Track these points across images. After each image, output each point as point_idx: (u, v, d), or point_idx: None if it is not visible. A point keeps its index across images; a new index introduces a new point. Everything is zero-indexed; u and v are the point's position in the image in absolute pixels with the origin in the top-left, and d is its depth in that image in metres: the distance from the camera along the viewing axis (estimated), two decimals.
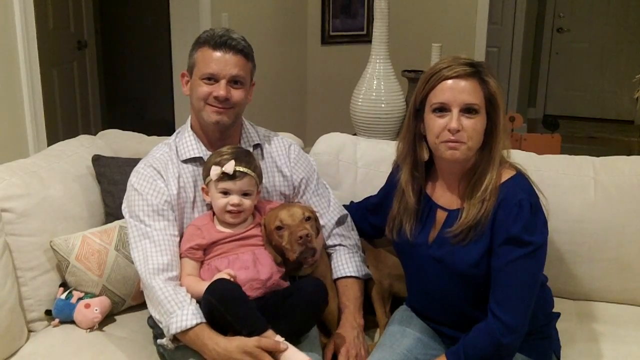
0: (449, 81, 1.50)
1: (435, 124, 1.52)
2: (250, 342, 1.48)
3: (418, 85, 1.58)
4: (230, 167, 1.65)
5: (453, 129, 1.48)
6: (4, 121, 2.63)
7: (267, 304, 1.60)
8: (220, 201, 1.68)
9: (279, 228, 1.68)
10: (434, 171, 1.65)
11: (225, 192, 1.68)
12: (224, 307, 1.51)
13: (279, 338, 1.50)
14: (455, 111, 1.49)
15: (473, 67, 1.51)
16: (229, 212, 1.68)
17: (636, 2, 6.51)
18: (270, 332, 1.51)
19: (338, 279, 1.86)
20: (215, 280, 1.56)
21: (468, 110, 1.50)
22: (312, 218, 1.73)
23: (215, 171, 1.66)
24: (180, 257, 1.69)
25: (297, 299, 1.59)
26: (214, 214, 1.74)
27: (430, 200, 1.65)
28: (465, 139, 1.50)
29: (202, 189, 1.74)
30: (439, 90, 1.51)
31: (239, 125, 1.85)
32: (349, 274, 1.85)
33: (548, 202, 1.65)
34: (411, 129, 1.61)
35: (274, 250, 1.70)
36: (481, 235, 1.52)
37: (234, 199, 1.67)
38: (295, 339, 1.57)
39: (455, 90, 1.49)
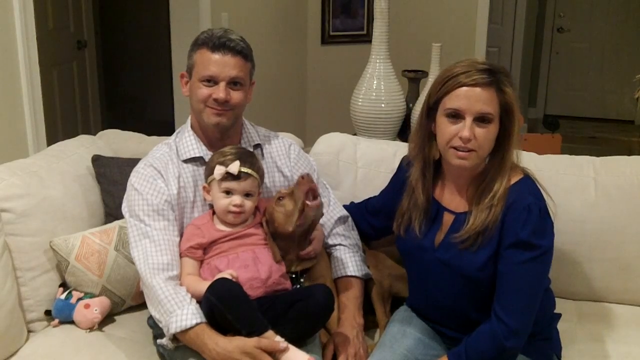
0: (465, 88, 1.48)
1: (447, 129, 1.51)
2: (250, 342, 1.48)
3: (433, 84, 1.56)
4: (234, 167, 1.65)
5: (465, 138, 1.47)
6: (3, 121, 2.63)
7: (271, 306, 1.60)
8: (222, 201, 1.68)
9: (280, 199, 1.68)
10: (442, 172, 1.65)
11: (228, 192, 1.67)
12: (225, 307, 1.51)
13: (278, 338, 1.50)
14: (468, 120, 1.48)
15: (491, 76, 1.49)
16: (231, 212, 1.67)
17: (636, 2, 6.50)
18: (270, 333, 1.51)
19: (338, 278, 1.86)
20: (216, 280, 1.56)
21: (482, 119, 1.48)
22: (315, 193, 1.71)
23: (219, 171, 1.65)
24: (180, 257, 1.68)
25: (307, 306, 1.58)
26: (213, 213, 1.73)
27: (438, 203, 1.64)
28: (476, 147, 1.49)
29: (204, 187, 1.73)
30: (454, 96, 1.49)
31: (240, 125, 1.85)
32: (349, 274, 1.85)
33: (555, 205, 1.64)
34: (423, 128, 1.60)
35: (275, 239, 1.70)
36: (489, 239, 1.52)
37: (237, 199, 1.67)
38: (298, 343, 1.57)
39: (471, 98, 1.48)
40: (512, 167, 1.55)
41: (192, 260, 1.68)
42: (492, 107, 1.48)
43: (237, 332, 1.51)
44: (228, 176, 1.66)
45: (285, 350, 1.49)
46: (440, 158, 1.60)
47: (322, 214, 1.76)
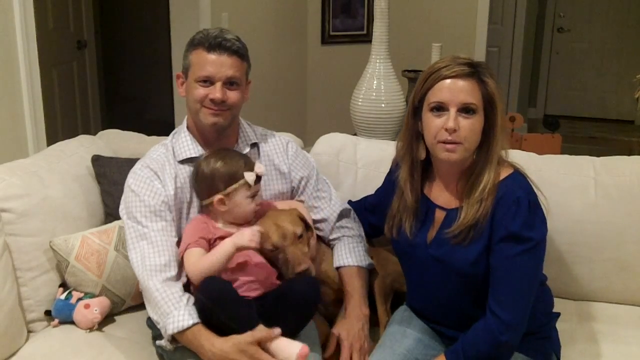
0: (447, 80, 1.50)
1: (432, 123, 1.52)
2: (245, 338, 1.48)
3: (417, 83, 1.58)
4: (262, 168, 1.67)
5: (450, 129, 1.48)
6: (4, 121, 2.63)
7: (263, 304, 1.60)
8: (251, 205, 1.68)
9: (273, 250, 1.66)
10: (432, 170, 1.65)
11: (254, 195, 1.68)
12: (214, 304, 1.52)
13: (269, 329, 1.50)
14: (452, 111, 1.49)
15: (472, 67, 1.51)
16: (255, 212, 1.70)
17: (636, 2, 6.50)
18: (261, 326, 1.51)
19: (341, 267, 1.85)
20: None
21: (465, 110, 1.49)
22: (303, 235, 1.69)
23: (251, 177, 1.64)
24: (187, 248, 1.64)
25: (290, 300, 1.59)
26: (207, 214, 1.73)
27: (428, 200, 1.65)
28: (461, 139, 1.50)
29: (220, 200, 1.66)
30: (437, 90, 1.51)
31: (236, 125, 1.85)
32: (352, 264, 1.84)
33: (547, 200, 1.64)
34: (410, 128, 1.61)
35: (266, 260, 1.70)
36: (481, 234, 1.52)
37: (259, 198, 1.71)
38: (291, 337, 1.56)
39: (453, 89, 1.49)
40: (501, 162, 1.56)
41: (201, 249, 1.64)
42: (475, 97, 1.50)
43: (229, 329, 1.51)
44: (257, 179, 1.67)
45: (278, 336, 1.49)
46: (428, 158, 1.61)
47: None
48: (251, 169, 1.66)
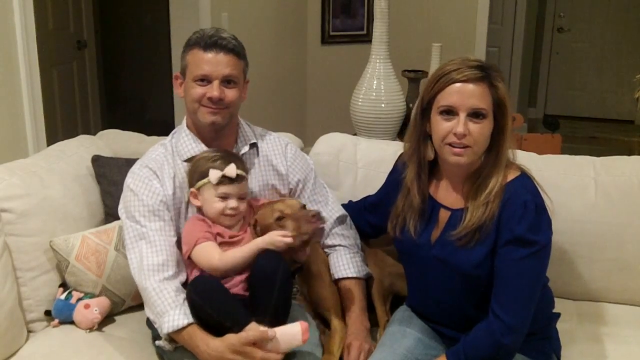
0: (458, 84, 1.49)
1: (441, 126, 1.51)
2: (239, 339, 1.47)
3: (426, 84, 1.57)
4: (232, 170, 1.64)
5: (459, 134, 1.48)
6: (3, 121, 2.63)
7: (250, 300, 1.60)
8: (218, 205, 1.66)
9: (279, 219, 1.66)
10: (438, 170, 1.65)
11: (224, 197, 1.66)
12: (205, 301, 1.52)
13: (263, 328, 1.49)
14: (462, 115, 1.48)
15: (483, 71, 1.50)
16: (227, 215, 1.67)
17: (636, 2, 6.50)
18: (253, 324, 1.50)
19: (340, 279, 1.86)
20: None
21: (475, 114, 1.49)
22: (306, 206, 1.72)
23: (215, 175, 1.64)
24: (197, 244, 1.63)
25: (254, 279, 1.57)
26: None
27: (433, 200, 1.64)
28: (471, 143, 1.49)
29: (191, 192, 1.70)
30: (447, 93, 1.50)
31: (235, 124, 1.85)
32: (351, 275, 1.85)
33: (552, 203, 1.64)
34: (417, 128, 1.60)
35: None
36: (486, 236, 1.52)
37: (233, 202, 1.66)
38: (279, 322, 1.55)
39: (464, 94, 1.48)
40: (509, 164, 1.56)
41: (213, 242, 1.64)
42: (485, 102, 1.49)
43: (222, 327, 1.51)
44: (225, 180, 1.65)
45: (273, 336, 1.48)
46: (435, 158, 1.60)
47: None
48: (220, 169, 1.64)
